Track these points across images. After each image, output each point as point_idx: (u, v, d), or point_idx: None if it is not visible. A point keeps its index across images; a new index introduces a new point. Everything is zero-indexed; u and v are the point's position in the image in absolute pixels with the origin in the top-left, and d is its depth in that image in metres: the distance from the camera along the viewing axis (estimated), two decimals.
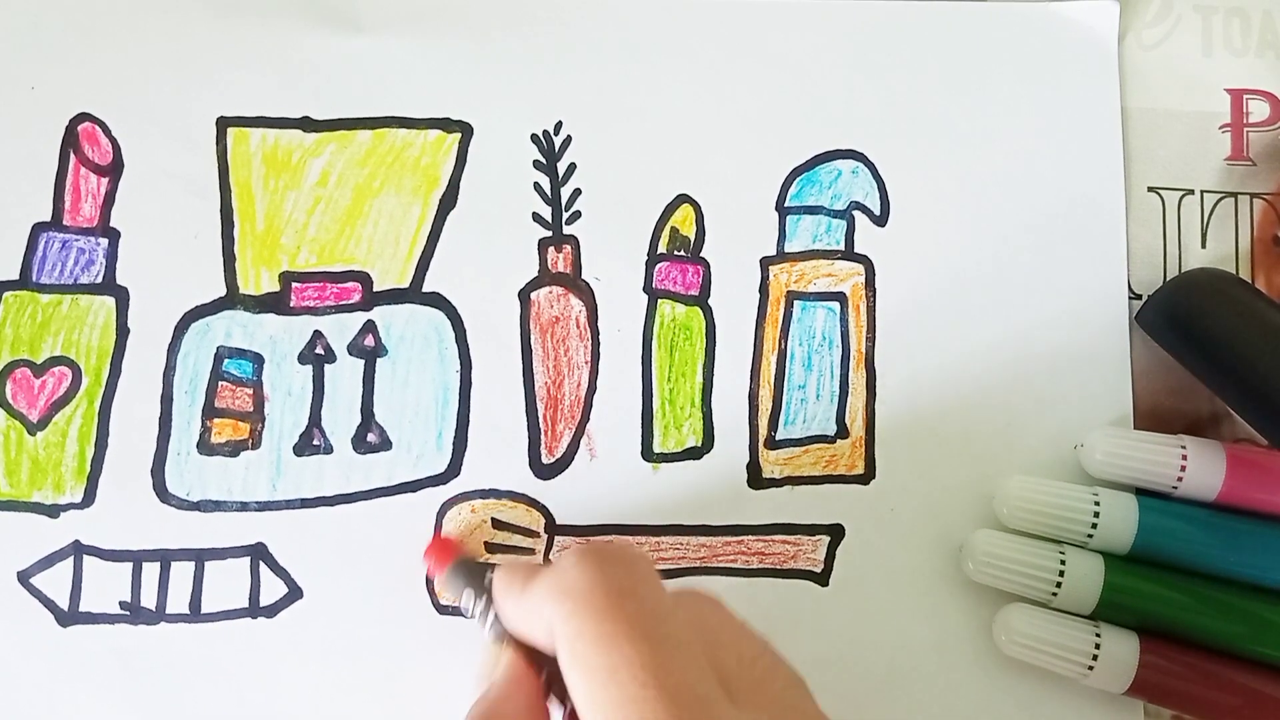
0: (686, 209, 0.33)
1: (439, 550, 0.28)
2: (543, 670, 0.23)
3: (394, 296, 0.32)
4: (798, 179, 0.33)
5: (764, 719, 0.20)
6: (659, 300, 0.32)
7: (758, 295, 0.32)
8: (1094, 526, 0.29)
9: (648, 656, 0.19)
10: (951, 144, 0.33)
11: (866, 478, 0.31)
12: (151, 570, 0.30)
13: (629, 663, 0.19)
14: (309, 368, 0.31)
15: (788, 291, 0.32)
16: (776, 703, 0.21)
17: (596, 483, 0.31)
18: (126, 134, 0.32)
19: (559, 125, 0.33)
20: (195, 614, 0.30)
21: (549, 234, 0.32)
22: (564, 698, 0.22)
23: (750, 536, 0.31)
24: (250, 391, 0.31)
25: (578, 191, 0.33)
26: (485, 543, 0.31)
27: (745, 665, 0.21)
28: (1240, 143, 0.34)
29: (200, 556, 0.30)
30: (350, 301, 0.32)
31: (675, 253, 0.32)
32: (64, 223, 0.32)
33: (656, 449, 0.31)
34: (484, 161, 0.33)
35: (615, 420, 0.31)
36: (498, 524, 0.31)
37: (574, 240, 0.32)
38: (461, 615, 0.30)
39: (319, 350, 0.31)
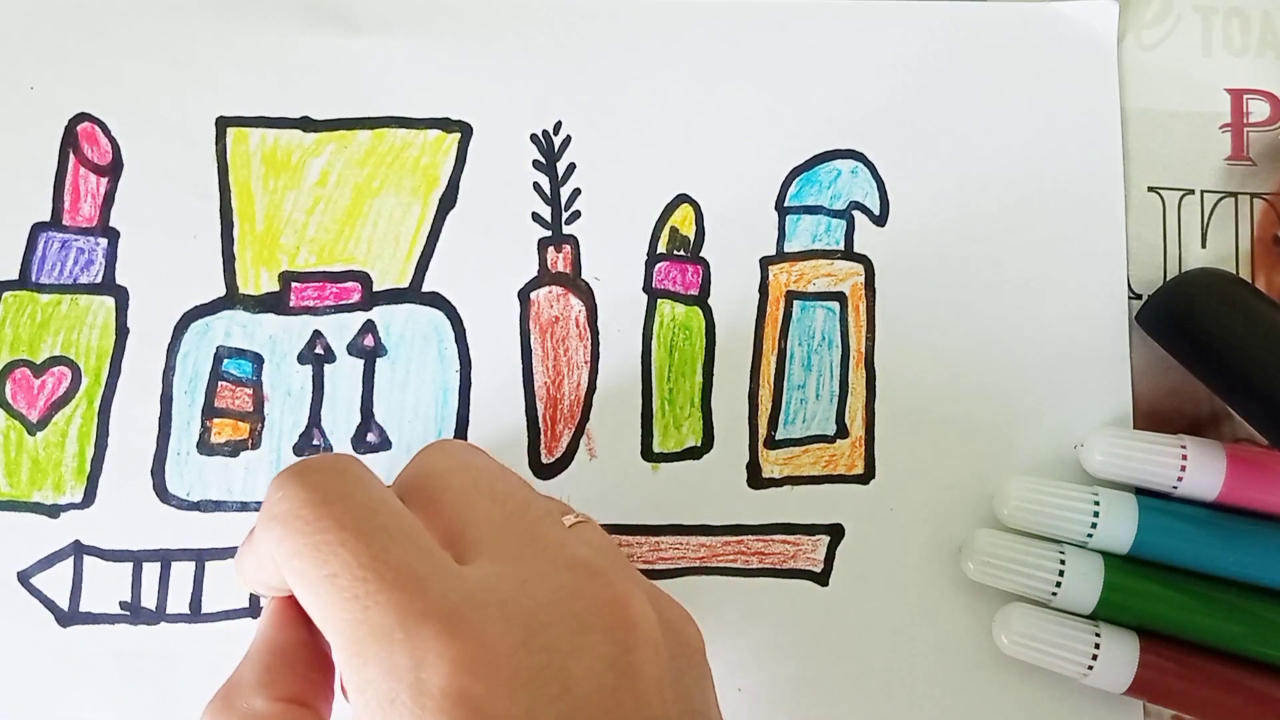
0: (686, 209, 0.33)
1: None
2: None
3: (393, 296, 0.32)
4: (797, 179, 0.33)
5: (498, 567, 0.20)
6: (659, 300, 0.32)
7: (757, 295, 0.32)
8: (1094, 526, 0.29)
9: (362, 553, 0.19)
10: (951, 144, 0.33)
11: (866, 478, 0.31)
12: (151, 570, 0.30)
13: (345, 564, 0.19)
14: (309, 368, 0.31)
15: (787, 291, 0.32)
16: (523, 539, 0.21)
17: (596, 482, 0.31)
18: (126, 134, 0.32)
19: (558, 125, 0.33)
20: (195, 614, 0.30)
21: (548, 234, 0.32)
22: None
23: (750, 536, 0.31)
24: (250, 391, 0.31)
25: (577, 191, 0.33)
26: None
27: (497, 503, 0.22)
28: (1240, 143, 0.34)
29: (200, 556, 0.30)
30: (350, 301, 0.32)
31: (675, 252, 0.32)
32: (63, 222, 0.32)
33: (656, 449, 0.31)
34: (483, 161, 0.33)
35: (615, 420, 0.31)
36: None
37: (573, 240, 0.32)
38: None
39: (318, 350, 0.31)
